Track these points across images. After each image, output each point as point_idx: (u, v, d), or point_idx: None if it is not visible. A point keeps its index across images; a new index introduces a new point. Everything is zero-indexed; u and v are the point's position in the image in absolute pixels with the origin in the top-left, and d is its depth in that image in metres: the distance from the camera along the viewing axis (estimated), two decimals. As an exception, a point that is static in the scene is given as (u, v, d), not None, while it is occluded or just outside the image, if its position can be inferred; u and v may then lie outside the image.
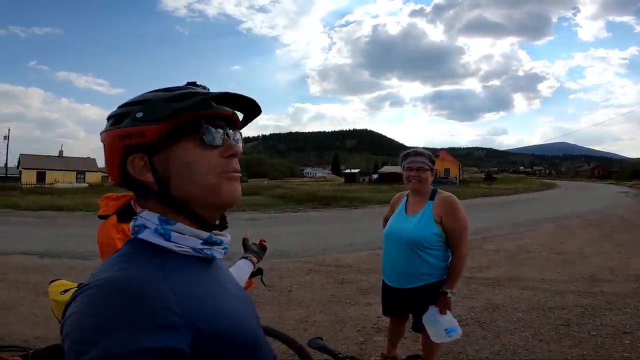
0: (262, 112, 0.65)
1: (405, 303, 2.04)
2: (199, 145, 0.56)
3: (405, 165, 2.03)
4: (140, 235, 0.57)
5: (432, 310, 1.92)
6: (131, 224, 0.59)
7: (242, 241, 1.32)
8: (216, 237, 0.60)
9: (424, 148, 2.11)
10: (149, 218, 0.57)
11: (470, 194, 21.60)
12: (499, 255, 6.12)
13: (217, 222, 0.62)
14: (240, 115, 0.65)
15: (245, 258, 1.27)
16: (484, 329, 3.25)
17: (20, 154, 40.65)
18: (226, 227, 0.64)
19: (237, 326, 0.55)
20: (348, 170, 64.71)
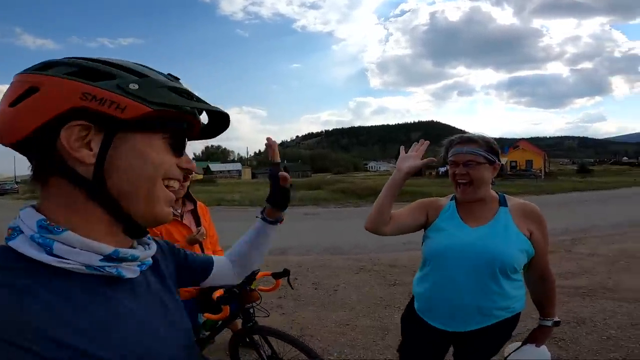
0: (225, 130, 0.59)
1: (459, 350, 1.47)
2: (165, 146, 0.51)
3: (450, 159, 1.40)
4: (10, 242, 0.44)
5: (527, 349, 1.41)
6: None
7: (269, 172, 0.92)
8: (126, 252, 0.48)
9: (479, 135, 1.41)
10: (26, 220, 0.45)
11: (558, 188, 19.01)
12: (593, 260, 5.13)
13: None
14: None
15: (259, 214, 0.91)
16: (560, 347, 2.70)
17: None
18: (146, 234, 0.55)
19: None
20: (414, 164, 61.97)
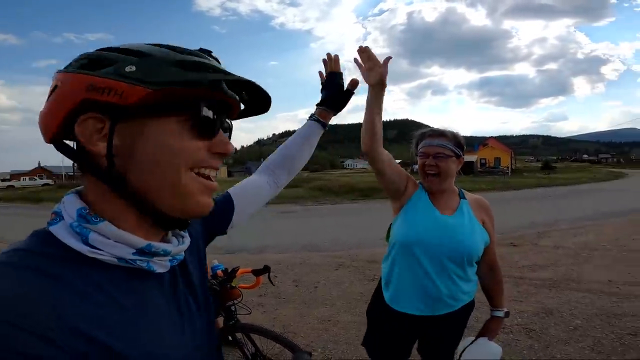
0: (268, 109, 0.55)
1: (425, 336, 1.52)
2: (185, 130, 0.45)
3: (420, 151, 1.45)
4: (51, 227, 0.44)
5: (481, 343, 1.44)
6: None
7: (328, 77, 0.98)
8: (159, 246, 0.46)
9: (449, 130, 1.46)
10: (68, 207, 0.45)
11: (523, 184, 19.96)
12: (558, 252, 5.43)
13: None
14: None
15: (314, 119, 0.94)
16: (531, 337, 2.83)
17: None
18: (187, 226, 0.51)
19: None
20: (390, 162, 63.17)
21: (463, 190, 1.51)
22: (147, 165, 0.44)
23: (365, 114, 1.37)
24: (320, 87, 0.99)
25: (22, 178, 43.54)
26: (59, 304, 0.38)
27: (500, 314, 1.50)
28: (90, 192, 0.46)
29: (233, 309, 1.95)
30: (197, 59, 0.46)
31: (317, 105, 0.96)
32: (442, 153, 1.39)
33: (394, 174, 1.44)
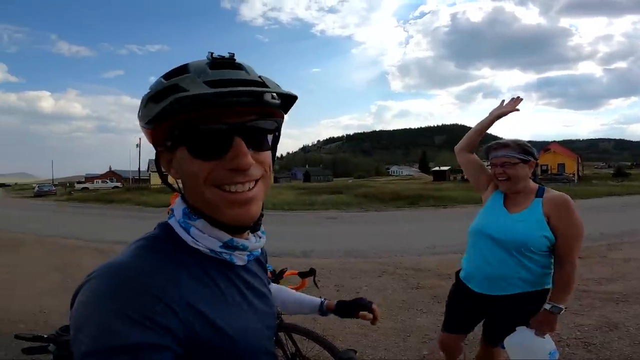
0: (297, 97, 0.55)
1: (484, 313, 1.77)
2: (191, 156, 0.49)
3: (490, 162, 1.75)
4: (169, 221, 0.56)
5: (524, 332, 1.53)
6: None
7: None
8: (238, 241, 0.54)
9: (513, 140, 1.70)
10: (177, 207, 0.56)
11: (592, 192, 18.05)
12: (630, 265, 4.87)
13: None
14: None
15: (320, 309, 1.19)
16: (590, 351, 2.60)
17: (149, 159, 49.08)
18: (257, 229, 0.60)
19: (238, 341, 0.51)
20: (437, 168, 60.87)
21: (545, 189, 1.67)
22: (186, 187, 0.54)
23: (475, 130, 1.90)
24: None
25: (95, 181, 48.77)
26: (182, 283, 0.47)
27: (547, 306, 1.53)
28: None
29: (278, 309, 2.04)
30: (168, 83, 0.48)
31: (337, 305, 1.17)
32: (508, 162, 1.65)
33: (470, 174, 1.92)
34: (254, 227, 0.58)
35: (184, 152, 0.49)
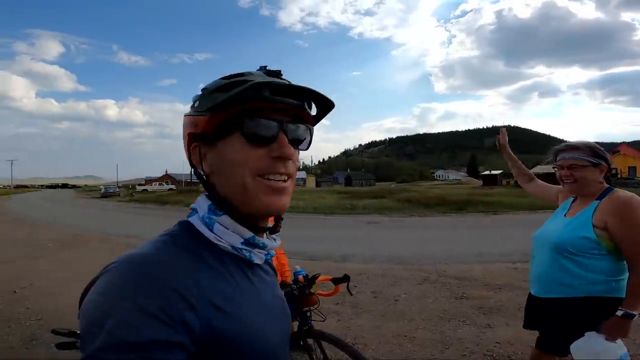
0: (334, 106, 0.59)
1: (544, 317, 1.74)
2: (242, 143, 0.52)
3: (557, 164, 1.72)
4: (189, 218, 0.56)
5: (593, 337, 1.48)
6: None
7: None
8: (259, 239, 0.56)
9: (583, 142, 1.66)
10: (201, 204, 0.57)
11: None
12: None
13: (268, 224, 0.60)
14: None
15: None
16: None
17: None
18: (277, 231, 0.62)
19: (254, 340, 0.50)
20: (487, 172, 57.44)
21: (613, 190, 1.60)
22: (223, 176, 0.54)
23: (510, 164, 2.18)
24: None
25: (152, 183, 52.64)
26: (199, 275, 0.47)
27: (619, 312, 1.46)
28: (213, 195, 0.58)
29: (308, 315, 1.99)
30: (233, 80, 0.53)
31: None
32: (576, 164, 1.61)
33: (541, 197, 2.04)
34: (273, 229, 0.61)
35: (234, 140, 0.52)
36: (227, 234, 0.53)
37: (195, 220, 0.55)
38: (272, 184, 0.53)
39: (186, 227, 0.54)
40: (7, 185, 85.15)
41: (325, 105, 0.59)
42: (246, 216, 0.54)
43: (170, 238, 0.51)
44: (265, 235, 0.59)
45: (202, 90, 0.56)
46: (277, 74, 0.56)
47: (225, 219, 0.54)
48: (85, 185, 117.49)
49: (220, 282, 0.49)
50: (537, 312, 1.77)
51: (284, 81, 0.53)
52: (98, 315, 0.40)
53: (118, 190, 39.55)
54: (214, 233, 0.53)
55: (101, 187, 47.02)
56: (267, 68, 0.57)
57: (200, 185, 0.58)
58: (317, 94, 0.55)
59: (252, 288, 0.55)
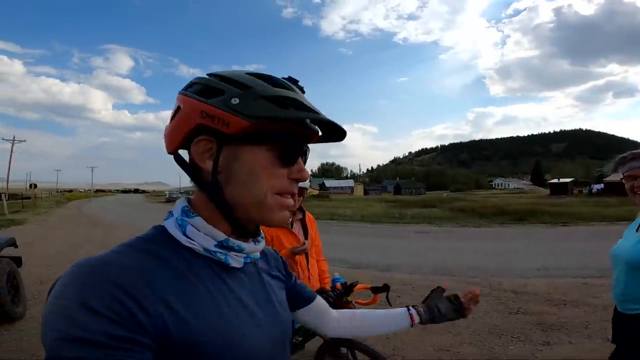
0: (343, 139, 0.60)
1: (622, 332, 1.69)
2: (272, 159, 0.52)
3: (625, 174, 1.59)
4: (165, 222, 0.55)
5: None
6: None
7: (432, 291, 0.93)
8: (234, 242, 0.54)
9: None
10: (177, 206, 0.56)
11: None
12: None
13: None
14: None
15: (410, 308, 0.86)
16: None
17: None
18: (258, 234, 0.60)
19: (223, 344, 0.48)
20: (555, 180, 52.32)
21: None
22: (240, 185, 0.52)
23: None
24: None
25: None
26: (157, 279, 0.46)
27: None
28: (195, 197, 0.57)
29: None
30: (288, 93, 0.52)
31: (430, 317, 0.85)
32: None
33: None
34: (256, 232, 0.59)
35: (263, 152, 0.51)
36: (199, 236, 0.52)
37: (169, 224, 0.54)
38: (285, 202, 0.54)
39: (160, 231, 0.54)
40: (88, 190, 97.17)
41: (336, 136, 0.59)
42: (242, 225, 0.54)
43: (135, 241, 0.51)
44: (252, 240, 0.58)
45: (243, 86, 0.51)
46: (297, 83, 0.57)
47: (198, 220, 0.52)
48: (153, 190, 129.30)
49: (182, 284, 0.48)
50: (619, 327, 1.70)
51: (323, 117, 0.53)
52: (47, 314, 0.42)
53: (180, 195, 42.83)
54: (185, 235, 0.52)
55: (166, 192, 51.22)
56: (292, 77, 0.57)
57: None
58: (337, 126, 0.56)
59: (226, 292, 0.53)
